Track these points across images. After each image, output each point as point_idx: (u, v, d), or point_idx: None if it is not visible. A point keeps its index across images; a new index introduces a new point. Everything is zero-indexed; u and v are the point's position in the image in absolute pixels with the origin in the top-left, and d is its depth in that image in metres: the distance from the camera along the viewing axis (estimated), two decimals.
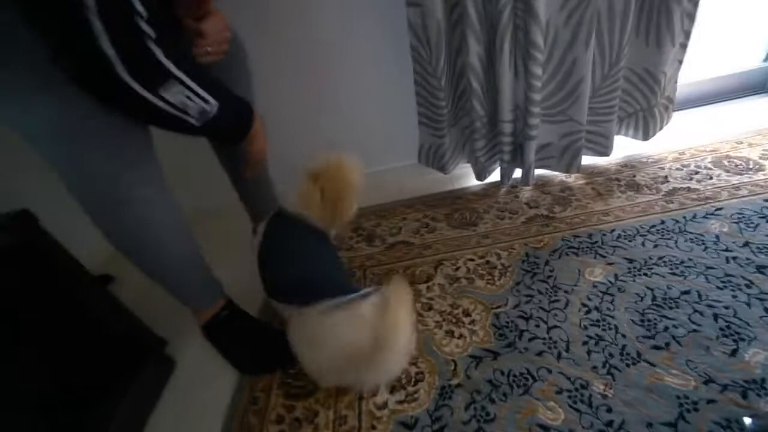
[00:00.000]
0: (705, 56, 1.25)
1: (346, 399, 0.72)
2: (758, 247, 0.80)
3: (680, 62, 1.06)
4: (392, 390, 0.72)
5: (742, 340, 0.65)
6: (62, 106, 0.54)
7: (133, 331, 0.83)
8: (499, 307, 0.81)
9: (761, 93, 1.29)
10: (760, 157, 1.03)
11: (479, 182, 1.19)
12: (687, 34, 1.00)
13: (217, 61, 0.69)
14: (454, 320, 0.81)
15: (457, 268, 0.92)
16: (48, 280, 0.69)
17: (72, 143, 0.57)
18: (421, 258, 0.98)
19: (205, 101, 0.56)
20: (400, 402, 0.69)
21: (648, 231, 0.90)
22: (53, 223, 0.70)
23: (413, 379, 0.72)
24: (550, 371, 0.68)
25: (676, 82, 1.10)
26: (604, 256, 0.87)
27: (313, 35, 1.08)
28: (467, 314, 0.81)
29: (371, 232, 1.11)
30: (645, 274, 0.81)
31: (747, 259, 0.78)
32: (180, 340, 0.92)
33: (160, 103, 0.52)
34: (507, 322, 0.78)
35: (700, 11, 0.96)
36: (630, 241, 0.89)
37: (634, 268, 0.83)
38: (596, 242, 0.91)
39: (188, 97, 0.53)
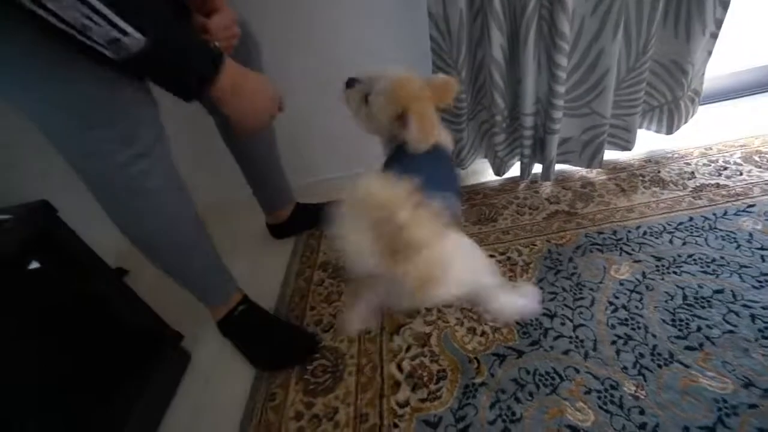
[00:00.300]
0: (734, 48, 1.21)
1: (368, 396, 0.71)
2: None
3: (709, 53, 1.02)
4: (414, 387, 0.70)
5: None
6: (77, 94, 0.53)
7: (149, 325, 0.82)
8: None
9: None
10: None
11: (498, 177, 1.17)
12: (719, 23, 0.96)
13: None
14: (475, 317, 0.79)
15: None
16: (66, 271, 0.69)
17: (89, 130, 0.56)
18: None
19: (122, 31, 0.45)
20: (423, 400, 0.68)
21: (675, 228, 0.87)
22: (70, 215, 0.70)
23: (435, 377, 0.71)
24: (577, 371, 0.66)
25: (703, 74, 1.06)
26: (630, 254, 0.84)
27: (332, 22, 1.06)
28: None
29: None
30: (674, 272, 0.78)
31: None
32: (195, 335, 0.91)
33: (41, 12, 0.42)
34: (531, 320, 0.76)
35: None
36: (657, 238, 0.86)
37: (663, 266, 0.80)
38: (621, 239, 0.88)
39: (89, 18, 0.43)
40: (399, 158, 0.71)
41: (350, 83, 0.74)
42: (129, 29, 0.44)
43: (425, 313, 0.82)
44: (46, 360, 0.68)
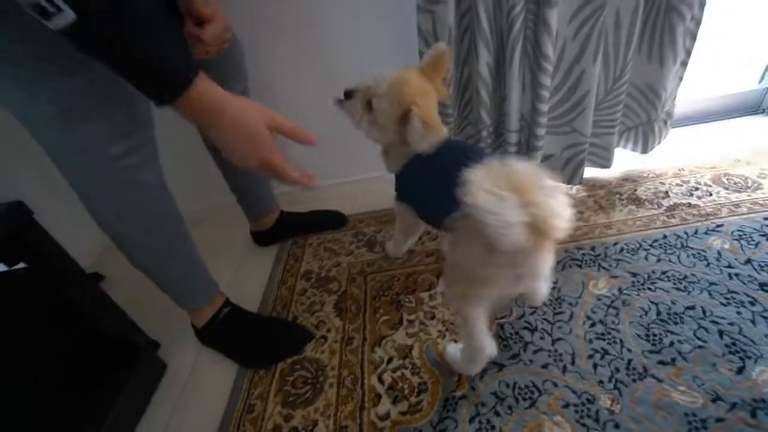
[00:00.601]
0: (705, 76, 1.28)
1: (348, 408, 0.70)
2: (760, 265, 0.80)
3: (680, 79, 1.07)
4: (395, 400, 0.70)
5: (749, 357, 0.65)
6: (70, 84, 0.53)
7: (125, 332, 0.80)
8: (503, 317, 0.80)
9: (757, 113, 1.32)
10: (758, 176, 1.05)
11: None
12: (688, 52, 1.02)
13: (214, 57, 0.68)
14: (457, 330, 0.79)
15: None
16: (39, 274, 0.66)
17: (80, 125, 0.55)
18: (424, 265, 0.97)
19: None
20: (403, 413, 0.68)
21: (650, 245, 0.91)
22: (45, 219, 0.68)
23: (416, 390, 0.70)
24: (555, 384, 0.67)
25: (675, 98, 1.11)
26: (608, 269, 0.87)
27: (324, 37, 1.07)
28: None
29: (372, 237, 1.10)
30: (649, 288, 0.81)
31: (749, 276, 0.79)
32: (172, 343, 0.89)
33: None
34: (511, 333, 0.77)
35: (701, 31, 0.98)
36: (633, 254, 0.89)
37: (638, 281, 0.82)
38: (599, 255, 0.91)
39: None
40: (421, 164, 0.69)
41: (348, 94, 0.73)
42: (60, 4, 0.38)
43: (407, 324, 0.83)
44: (15, 367, 0.65)
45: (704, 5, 0.95)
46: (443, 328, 0.80)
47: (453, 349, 0.73)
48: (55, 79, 0.52)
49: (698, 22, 0.97)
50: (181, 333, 0.88)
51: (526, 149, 1.08)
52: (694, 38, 1.00)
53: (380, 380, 0.73)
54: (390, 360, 0.76)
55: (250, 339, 0.83)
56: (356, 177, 1.32)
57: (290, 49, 1.08)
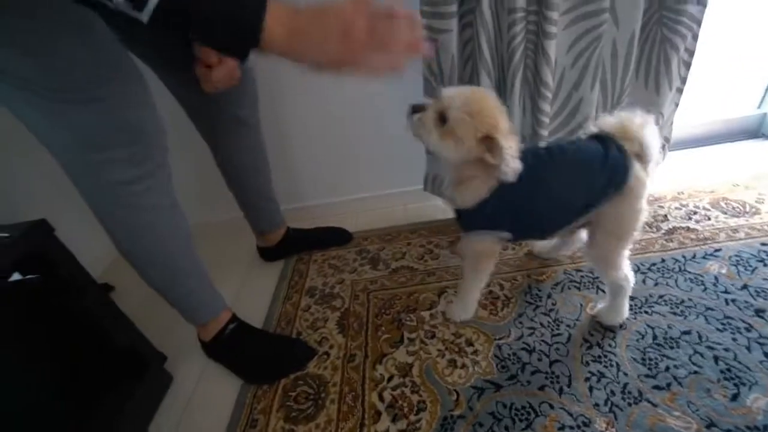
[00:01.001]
0: (706, 101, 1.31)
1: (348, 425, 0.72)
2: (756, 291, 0.82)
3: (676, 105, 1.10)
4: (394, 418, 0.71)
5: (743, 384, 0.66)
6: (92, 116, 0.56)
7: (133, 344, 0.82)
8: (501, 338, 0.82)
9: (756, 138, 1.34)
10: (756, 201, 1.06)
11: None
12: (683, 80, 1.05)
13: None
14: (456, 349, 0.81)
15: None
16: (58, 288, 0.70)
17: (95, 153, 0.59)
18: (424, 284, 0.99)
19: None
20: (402, 431, 0.69)
21: (648, 269, 0.92)
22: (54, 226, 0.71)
23: (415, 408, 0.72)
24: (552, 406, 0.68)
25: (672, 123, 1.14)
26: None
27: None
28: (470, 344, 0.82)
29: (375, 255, 1.12)
30: (646, 312, 0.82)
31: (746, 302, 0.80)
32: (179, 357, 0.91)
33: None
34: (509, 354, 0.78)
35: (696, 60, 1.02)
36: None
37: (635, 305, 0.84)
38: (597, 277, 0.92)
39: None
40: (526, 179, 0.65)
41: (417, 108, 0.68)
42: None
43: (408, 343, 0.85)
44: (23, 375, 0.68)
45: (697, 37, 0.98)
46: (443, 347, 0.82)
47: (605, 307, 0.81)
48: (72, 109, 0.55)
49: (691, 53, 1.01)
50: (188, 346, 0.90)
51: None
52: (688, 67, 1.04)
53: (380, 398, 0.75)
54: (390, 378, 0.78)
55: (255, 355, 0.85)
56: (361, 195, 1.35)
57: (296, 77, 1.13)
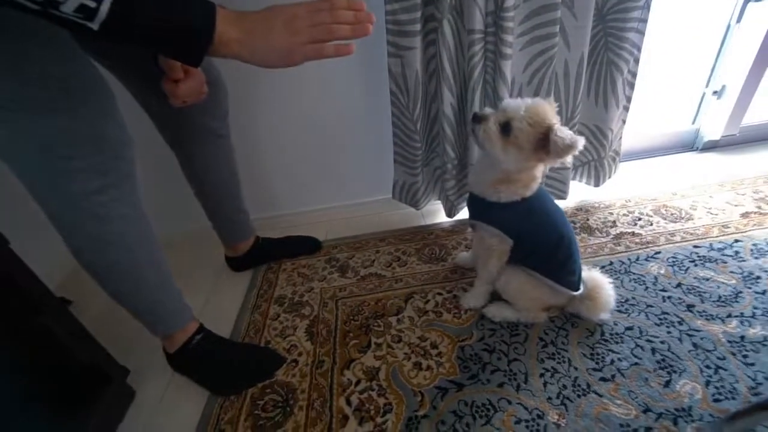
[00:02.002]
0: (651, 117, 1.45)
1: (316, 430, 0.73)
2: (688, 288, 0.90)
3: (624, 121, 1.20)
4: (361, 421, 0.73)
5: (674, 372, 0.73)
6: (54, 124, 0.56)
7: (94, 359, 0.80)
8: (464, 340, 0.86)
9: (692, 150, 1.48)
10: (690, 207, 1.18)
11: (449, 219, 1.27)
12: (628, 99, 1.16)
13: None
14: (422, 352, 0.84)
15: (427, 302, 0.97)
16: (12, 302, 0.67)
17: (59, 162, 0.58)
18: (392, 290, 1.02)
19: None
20: None
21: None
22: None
23: (382, 410, 0.74)
24: (509, 402, 0.73)
25: (620, 138, 1.24)
26: None
27: (300, 77, 1.14)
28: (434, 346, 0.85)
29: (345, 263, 1.14)
30: None
31: (679, 298, 0.88)
32: (141, 370, 0.89)
33: None
34: (471, 355, 0.82)
35: (638, 81, 1.12)
36: None
37: None
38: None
39: None
40: (535, 206, 0.78)
41: (480, 118, 0.74)
42: None
43: (375, 347, 0.87)
44: None
45: (638, 61, 1.09)
46: (409, 350, 0.85)
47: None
48: (37, 120, 0.54)
49: (634, 75, 1.11)
50: (152, 359, 0.89)
51: None
52: (632, 87, 1.14)
53: (348, 402, 0.77)
54: (358, 382, 0.80)
55: (222, 366, 0.85)
56: (331, 204, 1.37)
57: (269, 88, 1.15)
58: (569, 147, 0.66)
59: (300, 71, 1.11)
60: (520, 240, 0.80)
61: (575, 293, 0.81)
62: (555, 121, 0.70)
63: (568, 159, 0.71)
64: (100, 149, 0.60)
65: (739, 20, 1.24)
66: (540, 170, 0.77)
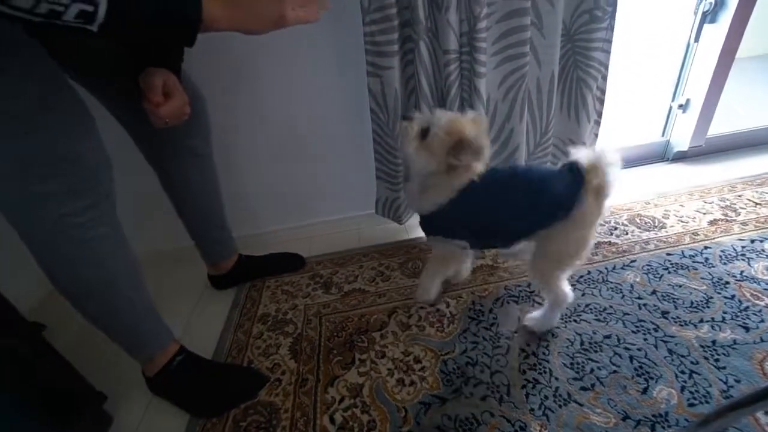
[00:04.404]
0: (624, 129, 1.51)
1: None
2: (663, 295, 0.93)
3: (596, 135, 1.25)
4: None
5: (651, 378, 0.75)
6: (33, 147, 0.55)
7: (69, 385, 0.78)
8: (447, 353, 0.86)
9: (663, 161, 1.54)
10: (663, 216, 1.22)
11: None
12: (599, 114, 1.21)
13: None
14: (405, 368, 0.84)
15: (410, 316, 0.97)
16: None
17: (35, 184, 0.57)
18: (376, 306, 1.02)
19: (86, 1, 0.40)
20: None
21: (577, 281, 1.02)
22: None
23: (365, 428, 0.74)
24: (492, 415, 0.73)
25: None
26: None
27: (283, 95, 1.16)
28: (418, 361, 0.85)
29: (328, 279, 1.14)
30: (575, 321, 0.90)
31: (654, 305, 0.91)
32: (118, 396, 0.87)
33: (7, 10, 0.39)
34: (454, 368, 0.83)
35: (612, 96, 1.17)
36: None
37: (566, 315, 0.92)
38: (534, 291, 1.00)
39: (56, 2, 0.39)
40: (485, 192, 0.77)
41: (407, 117, 0.79)
42: None
43: (359, 363, 0.87)
44: None
45: (606, 78, 1.14)
46: (393, 366, 0.85)
47: (537, 315, 0.89)
48: (13, 141, 0.54)
49: (603, 91, 1.17)
50: (131, 383, 0.86)
51: None
52: (602, 103, 1.19)
53: (332, 420, 0.76)
54: (342, 399, 0.80)
55: (203, 388, 0.83)
56: (314, 220, 1.38)
57: (250, 105, 1.16)
58: (476, 149, 0.72)
59: (281, 88, 1.15)
60: (475, 236, 0.82)
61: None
62: (470, 134, 0.73)
63: (478, 167, 0.75)
64: (76, 171, 0.60)
65: (697, 39, 1.32)
66: (457, 181, 0.77)
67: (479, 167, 0.76)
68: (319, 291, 1.11)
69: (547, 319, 0.87)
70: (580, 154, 0.74)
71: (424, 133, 0.75)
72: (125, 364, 0.82)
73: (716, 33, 1.28)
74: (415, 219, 1.32)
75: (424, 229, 0.89)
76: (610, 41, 1.08)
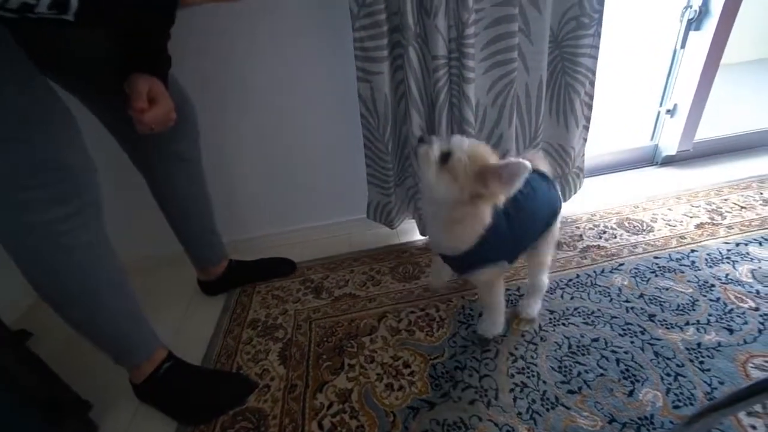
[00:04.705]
0: (612, 134, 1.53)
1: None
2: (650, 298, 0.94)
3: (585, 140, 1.27)
4: None
5: (638, 381, 0.76)
6: (15, 155, 0.55)
7: (53, 393, 0.77)
8: (436, 358, 0.86)
9: (651, 165, 1.56)
10: (651, 220, 1.23)
11: (423, 237, 1.29)
12: (587, 119, 1.22)
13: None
14: (394, 372, 0.84)
15: (400, 321, 0.97)
16: None
17: (22, 191, 0.57)
18: (366, 310, 1.02)
19: None
20: None
21: (566, 285, 1.03)
22: None
23: None
24: (480, 419, 0.73)
25: (583, 155, 1.30)
26: (526, 294, 0.96)
27: (273, 100, 1.16)
28: (407, 365, 0.85)
29: (319, 284, 1.14)
30: (563, 324, 0.91)
31: (641, 308, 0.92)
32: (105, 403, 0.86)
33: None
34: (443, 373, 0.83)
35: (603, 101, 1.19)
36: (551, 293, 1.00)
37: (554, 318, 0.93)
38: (523, 295, 1.01)
39: None
40: (506, 212, 0.74)
41: (424, 140, 0.73)
42: None
43: (348, 369, 0.87)
44: None
45: (593, 83, 1.15)
46: (382, 370, 0.85)
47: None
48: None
49: (591, 96, 1.18)
50: (117, 390, 0.86)
51: None
52: (590, 108, 1.20)
53: (320, 426, 0.76)
54: (330, 405, 0.79)
55: (191, 394, 0.83)
56: (305, 224, 1.38)
57: (239, 110, 1.16)
58: (516, 171, 0.63)
59: (272, 92, 1.15)
60: (510, 254, 0.82)
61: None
62: (494, 161, 0.69)
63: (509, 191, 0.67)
64: (60, 178, 0.60)
65: (683, 46, 1.34)
66: (484, 211, 0.72)
67: (503, 198, 0.69)
68: (310, 296, 1.10)
69: (536, 304, 0.94)
70: (529, 163, 0.65)
71: (444, 157, 0.69)
72: (112, 371, 0.81)
73: (701, 40, 1.30)
74: (406, 224, 1.33)
75: (460, 267, 0.83)
76: (597, 47, 1.10)
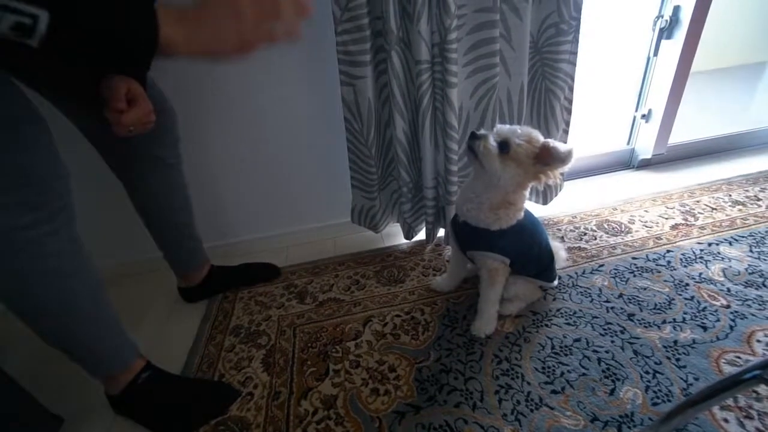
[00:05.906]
0: (590, 138, 1.57)
1: None
2: (629, 298, 0.96)
3: (565, 143, 1.29)
4: None
5: (618, 379, 0.77)
6: None
7: (18, 409, 0.73)
8: (421, 361, 0.86)
9: (628, 168, 1.61)
10: (629, 222, 1.27)
11: (408, 241, 1.29)
12: (567, 123, 1.25)
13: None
14: (380, 377, 0.84)
15: (385, 324, 0.97)
16: None
17: None
18: (351, 315, 1.01)
19: (14, 11, 0.36)
20: None
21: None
22: None
23: None
24: (466, 422, 0.73)
25: None
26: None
27: (255, 103, 1.15)
28: (392, 370, 0.85)
29: (303, 289, 1.13)
30: (546, 325, 0.92)
31: (621, 308, 0.94)
32: (77, 417, 0.82)
33: None
34: (428, 376, 0.83)
35: (581, 106, 1.22)
36: None
37: (538, 320, 0.94)
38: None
39: None
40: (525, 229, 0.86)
41: (476, 136, 0.78)
42: (21, 6, 0.36)
43: (333, 374, 0.86)
44: None
45: (573, 89, 1.19)
46: (367, 375, 0.84)
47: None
48: None
49: (570, 101, 1.21)
50: (91, 403, 0.82)
51: (443, 203, 1.21)
52: (569, 112, 1.23)
53: None
54: (315, 412, 0.78)
55: (170, 404, 0.80)
56: (289, 229, 1.36)
57: (222, 113, 1.15)
58: (569, 153, 0.73)
59: (254, 96, 1.13)
60: (516, 259, 0.87)
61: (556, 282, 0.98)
62: (549, 141, 0.76)
63: (566, 168, 0.76)
64: (28, 183, 0.57)
65: (656, 54, 1.40)
66: (526, 194, 0.83)
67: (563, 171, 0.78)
68: (294, 301, 1.09)
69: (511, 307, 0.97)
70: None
71: (502, 146, 0.75)
72: (84, 383, 0.78)
73: (673, 48, 1.35)
74: (391, 227, 1.33)
75: (477, 245, 0.87)
76: (575, 53, 1.13)
